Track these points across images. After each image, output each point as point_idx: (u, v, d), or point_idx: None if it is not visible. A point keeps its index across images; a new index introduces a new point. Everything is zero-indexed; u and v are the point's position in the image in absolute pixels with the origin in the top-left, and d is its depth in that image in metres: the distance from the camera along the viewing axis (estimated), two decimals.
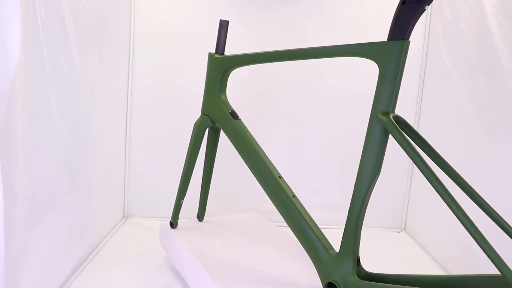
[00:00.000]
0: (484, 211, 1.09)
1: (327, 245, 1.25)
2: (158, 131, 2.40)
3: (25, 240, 1.28)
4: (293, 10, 2.35)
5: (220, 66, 1.61)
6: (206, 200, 1.92)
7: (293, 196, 1.35)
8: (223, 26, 1.67)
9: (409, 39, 1.09)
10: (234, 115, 1.55)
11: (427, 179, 1.02)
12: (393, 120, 1.15)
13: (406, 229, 2.49)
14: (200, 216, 1.92)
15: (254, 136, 1.51)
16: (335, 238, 1.31)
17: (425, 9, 1.03)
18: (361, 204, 1.19)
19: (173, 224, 1.79)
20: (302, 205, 1.35)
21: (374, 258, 1.98)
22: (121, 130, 2.32)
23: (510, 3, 1.58)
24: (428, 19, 2.33)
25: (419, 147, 1.20)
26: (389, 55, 1.11)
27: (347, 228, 1.19)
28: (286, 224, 1.34)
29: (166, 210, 2.45)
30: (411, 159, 1.07)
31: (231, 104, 1.64)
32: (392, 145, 2.74)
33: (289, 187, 1.39)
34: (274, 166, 1.43)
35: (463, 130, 1.86)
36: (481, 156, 1.70)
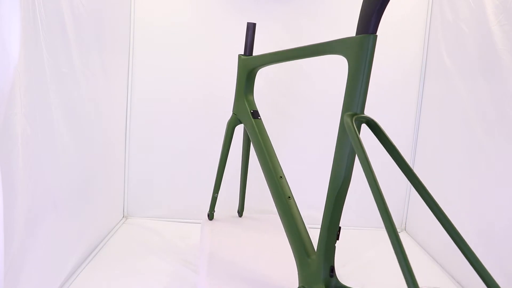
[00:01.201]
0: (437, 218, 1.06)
1: (310, 250, 1.21)
2: (158, 131, 2.40)
3: (25, 240, 1.28)
4: (293, 9, 2.35)
5: (246, 67, 1.68)
6: (244, 197, 1.98)
7: (289, 197, 1.34)
8: (250, 28, 1.74)
9: (376, 33, 1.03)
10: (254, 114, 1.61)
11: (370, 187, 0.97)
12: (353, 122, 1.07)
13: (406, 229, 2.49)
14: (239, 211, 2.00)
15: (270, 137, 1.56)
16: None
17: (389, 1, 0.97)
18: (331, 209, 1.12)
19: (209, 216, 1.93)
20: (296, 207, 1.34)
21: (374, 258, 1.99)
22: (121, 130, 2.32)
23: (511, 3, 1.58)
24: (428, 19, 2.33)
25: (387, 150, 1.16)
26: (357, 50, 1.07)
27: (320, 235, 1.13)
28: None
29: (166, 210, 2.46)
30: (361, 164, 1.01)
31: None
32: None
33: (288, 188, 1.39)
34: (279, 166, 1.45)
35: (463, 129, 1.86)
36: (482, 155, 1.70)
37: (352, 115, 1.08)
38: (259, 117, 1.60)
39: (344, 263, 1.91)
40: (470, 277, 1.72)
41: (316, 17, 2.35)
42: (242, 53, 1.76)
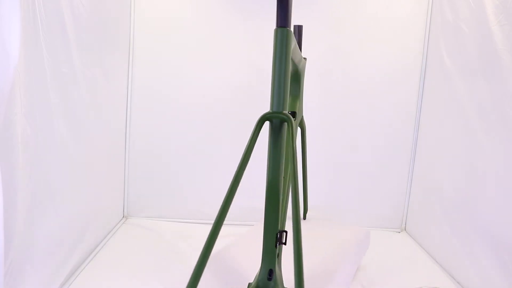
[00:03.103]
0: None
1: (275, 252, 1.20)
2: (158, 131, 2.41)
3: (25, 240, 1.27)
4: (293, 9, 2.35)
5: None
6: (306, 199, 1.96)
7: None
8: (295, 30, 1.71)
9: (287, 27, 1.01)
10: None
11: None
12: (259, 121, 1.03)
13: (406, 229, 2.49)
14: (304, 213, 1.97)
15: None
16: None
17: None
18: (267, 212, 1.07)
19: None
20: (284, 208, 1.32)
21: (375, 258, 1.99)
22: (121, 130, 2.32)
23: (511, 3, 1.58)
24: (428, 19, 2.33)
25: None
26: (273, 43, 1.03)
27: (263, 238, 1.10)
28: None
29: (166, 210, 2.46)
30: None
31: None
32: (392, 145, 2.74)
33: (285, 189, 1.38)
34: (288, 167, 1.42)
35: (463, 129, 1.86)
36: (481, 155, 1.70)
37: (265, 114, 1.05)
38: (294, 119, 1.59)
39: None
40: (470, 277, 1.72)
41: (317, 17, 2.35)
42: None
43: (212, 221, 1.10)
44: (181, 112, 2.39)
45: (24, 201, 1.25)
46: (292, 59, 1.52)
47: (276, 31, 0.99)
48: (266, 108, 2.80)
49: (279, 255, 1.09)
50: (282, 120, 1.03)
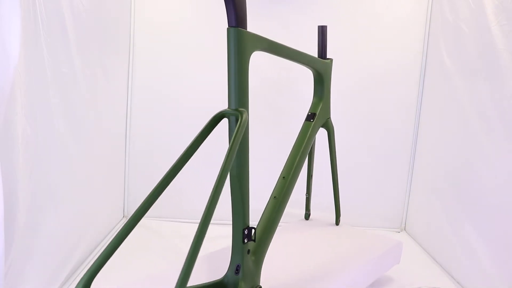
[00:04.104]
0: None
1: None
2: (158, 131, 2.40)
3: (25, 240, 1.27)
4: (292, 9, 2.36)
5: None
6: (338, 205, 1.90)
7: (274, 197, 1.34)
8: (319, 31, 1.71)
9: (239, 27, 1.01)
10: (308, 116, 1.60)
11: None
12: (214, 118, 1.08)
13: (406, 229, 2.49)
14: (336, 219, 1.92)
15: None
16: None
17: None
18: (233, 208, 1.10)
19: (305, 216, 1.97)
20: (275, 207, 1.32)
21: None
22: (121, 130, 2.32)
23: (510, 3, 1.58)
24: (428, 19, 2.33)
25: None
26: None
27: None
28: None
29: (166, 210, 2.46)
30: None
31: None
32: (392, 145, 2.74)
33: (282, 188, 1.38)
34: (292, 167, 1.43)
35: (463, 129, 1.86)
36: (481, 155, 1.70)
37: (220, 111, 1.10)
38: (310, 120, 1.59)
39: None
40: (470, 277, 1.72)
41: (317, 17, 2.35)
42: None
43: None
44: (181, 112, 2.39)
45: (24, 201, 1.25)
46: (309, 61, 1.53)
47: (227, 31, 1.01)
48: (266, 108, 2.79)
49: (249, 252, 1.11)
50: (237, 117, 1.07)
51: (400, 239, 1.93)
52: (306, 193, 1.93)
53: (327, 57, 1.69)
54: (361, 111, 2.40)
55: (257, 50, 1.11)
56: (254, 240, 1.11)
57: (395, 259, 1.73)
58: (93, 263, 0.93)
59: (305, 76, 2.40)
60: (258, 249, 1.17)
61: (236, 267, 1.09)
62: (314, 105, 1.63)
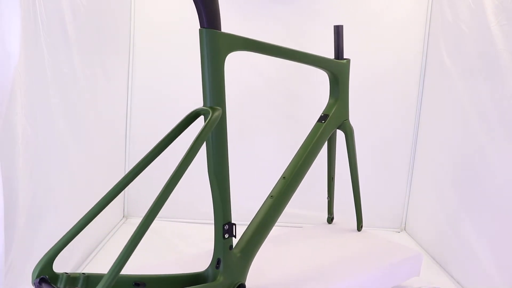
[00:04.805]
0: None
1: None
2: (158, 131, 2.39)
3: (25, 240, 1.27)
4: (294, 9, 2.36)
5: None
6: (359, 210, 1.86)
7: (271, 196, 1.33)
8: (335, 31, 1.70)
9: (210, 28, 1.04)
10: (320, 117, 1.59)
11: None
12: (186, 116, 1.12)
13: (406, 229, 2.49)
14: (357, 224, 1.86)
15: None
16: None
17: None
18: (214, 204, 1.13)
19: (327, 220, 1.95)
20: (270, 207, 1.31)
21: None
22: (121, 130, 2.32)
23: (510, 3, 1.58)
24: (428, 19, 2.33)
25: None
26: None
27: None
28: None
29: (166, 210, 2.44)
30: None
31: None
32: (392, 145, 2.74)
33: (280, 188, 1.37)
34: (295, 168, 1.42)
35: (463, 129, 1.86)
36: (481, 155, 1.70)
37: (195, 109, 1.14)
38: (321, 121, 1.57)
39: None
40: (470, 277, 1.72)
41: (317, 17, 2.35)
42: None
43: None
44: (181, 112, 2.36)
45: (24, 201, 1.25)
46: (321, 62, 1.52)
47: (199, 32, 1.05)
48: (265, 107, 2.79)
49: (231, 247, 1.13)
50: (207, 114, 1.11)
51: (417, 250, 1.88)
52: (328, 196, 1.89)
53: (344, 57, 1.68)
54: (361, 111, 2.40)
55: (235, 51, 1.11)
56: (234, 236, 1.13)
57: (413, 270, 1.64)
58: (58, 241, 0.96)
59: (310, 77, 2.41)
60: (247, 247, 1.18)
61: (217, 261, 1.11)
62: (329, 106, 1.62)
